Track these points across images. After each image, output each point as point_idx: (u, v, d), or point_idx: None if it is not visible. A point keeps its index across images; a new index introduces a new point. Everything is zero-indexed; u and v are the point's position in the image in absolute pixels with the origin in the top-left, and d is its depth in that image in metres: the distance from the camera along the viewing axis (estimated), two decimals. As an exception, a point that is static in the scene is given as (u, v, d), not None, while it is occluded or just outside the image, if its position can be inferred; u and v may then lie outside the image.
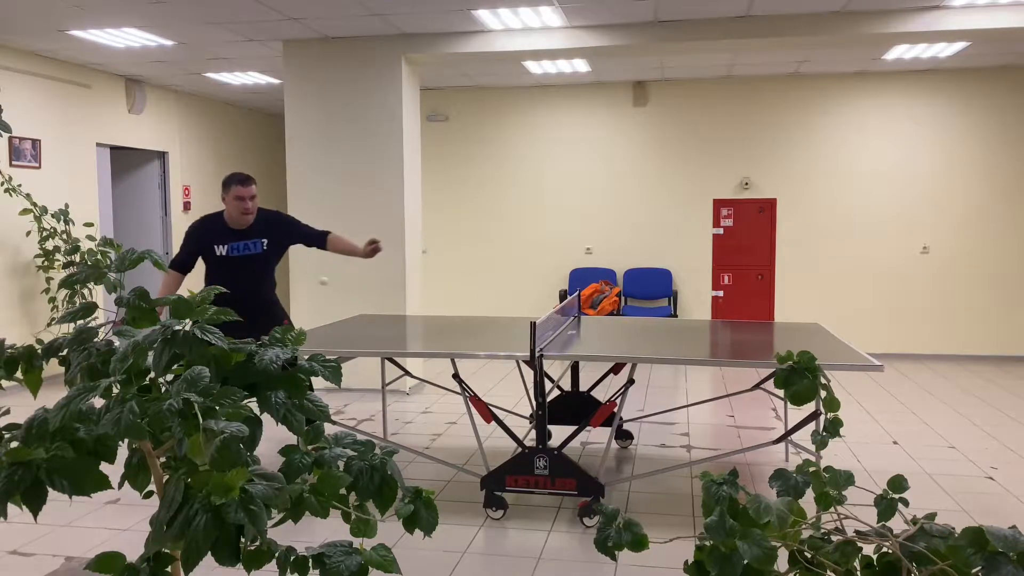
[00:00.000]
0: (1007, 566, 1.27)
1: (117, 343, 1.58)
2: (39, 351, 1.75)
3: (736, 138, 8.96)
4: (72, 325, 1.75)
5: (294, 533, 3.70)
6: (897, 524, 1.50)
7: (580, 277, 9.29)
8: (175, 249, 9.29)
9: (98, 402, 1.49)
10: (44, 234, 7.22)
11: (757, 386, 4.81)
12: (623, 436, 5.37)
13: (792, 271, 8.94)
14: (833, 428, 2.22)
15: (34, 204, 7.12)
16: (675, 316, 8.98)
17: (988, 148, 8.48)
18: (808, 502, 1.57)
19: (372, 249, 4.78)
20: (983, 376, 7.66)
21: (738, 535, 1.40)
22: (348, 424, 5.95)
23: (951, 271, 8.62)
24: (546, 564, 3.54)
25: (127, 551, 1.60)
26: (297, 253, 7.07)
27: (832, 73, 8.62)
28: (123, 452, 1.63)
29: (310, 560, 1.52)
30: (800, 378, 2.06)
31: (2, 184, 6.90)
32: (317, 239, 4.87)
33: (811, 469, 1.59)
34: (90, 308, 1.75)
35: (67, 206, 7.41)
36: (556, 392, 5.26)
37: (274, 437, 5.11)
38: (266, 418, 1.60)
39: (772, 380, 4.28)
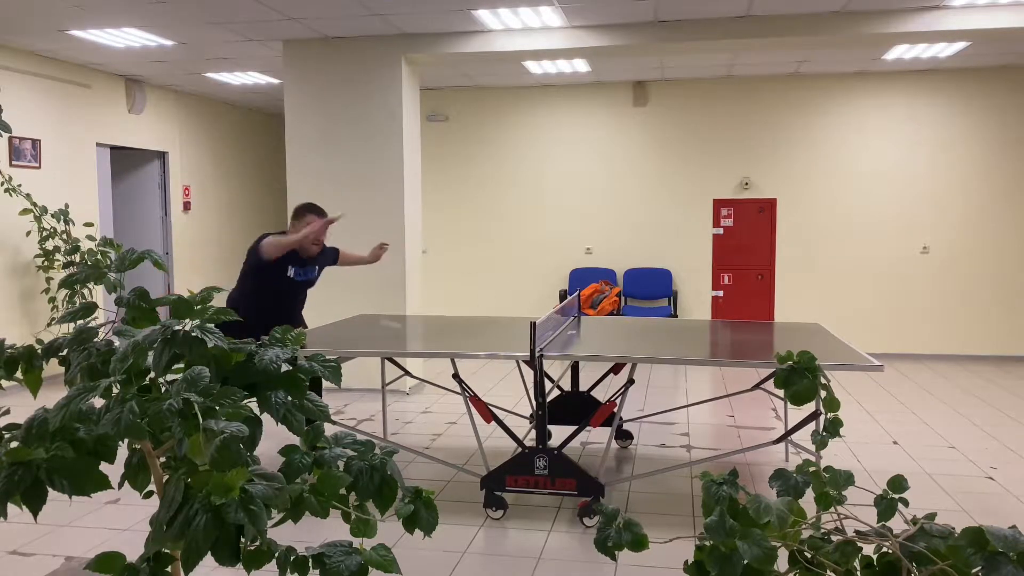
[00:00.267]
0: (1007, 566, 1.27)
1: (117, 343, 1.58)
2: (39, 351, 1.75)
3: (736, 138, 8.96)
4: (72, 325, 1.75)
5: (294, 533, 3.70)
6: (897, 524, 1.50)
7: (580, 277, 9.29)
8: (175, 249, 9.33)
9: (98, 402, 1.49)
10: (44, 234, 7.22)
11: (757, 386, 4.81)
12: (623, 436, 5.37)
13: (792, 271, 8.94)
14: (833, 428, 2.22)
15: (34, 204, 7.12)
16: (675, 316, 8.98)
17: (988, 148, 8.48)
18: (808, 502, 1.57)
19: (377, 252, 5.06)
20: (983, 376, 7.66)
21: (738, 535, 1.40)
22: (348, 424, 5.95)
23: (951, 271, 8.63)
24: (546, 564, 3.54)
25: (127, 551, 1.60)
26: (297, 253, 7.06)
27: (832, 73, 8.62)
28: (123, 452, 1.63)
29: (310, 560, 1.52)
30: (800, 378, 2.06)
31: (2, 184, 6.90)
32: (333, 259, 5.14)
33: (811, 469, 1.59)
34: (90, 308, 1.75)
35: (67, 206, 7.41)
36: (556, 392, 5.26)
37: (274, 437, 5.12)
38: (266, 418, 1.60)
39: (772, 380, 4.29)
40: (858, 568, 1.44)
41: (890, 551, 1.42)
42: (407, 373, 5.41)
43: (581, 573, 3.45)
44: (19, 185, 7.06)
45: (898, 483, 1.57)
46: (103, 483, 1.50)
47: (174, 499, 1.38)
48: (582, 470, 3.94)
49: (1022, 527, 1.55)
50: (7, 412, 1.71)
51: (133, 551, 2.91)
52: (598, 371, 7.73)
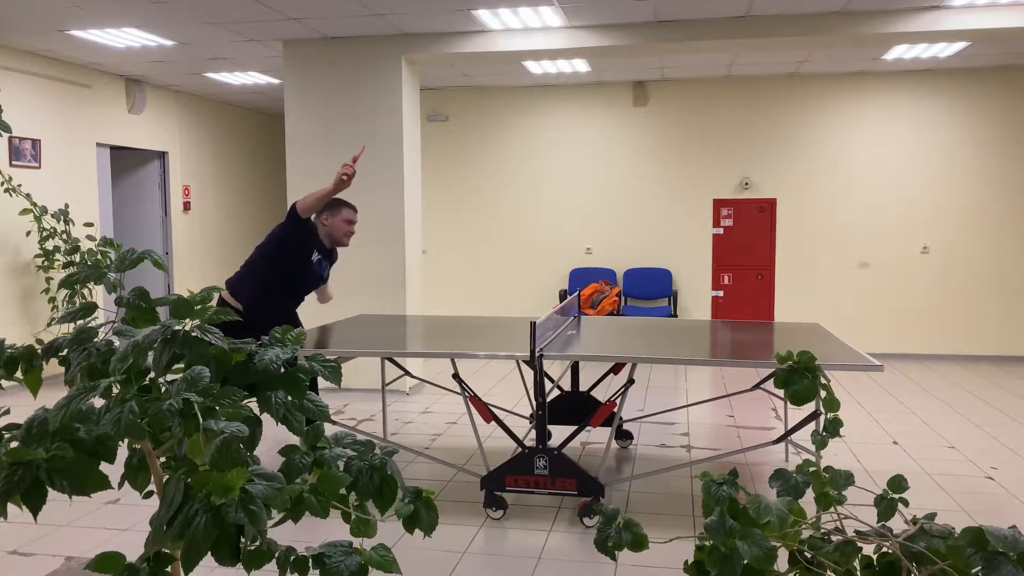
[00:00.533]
0: (1007, 566, 1.26)
1: (117, 343, 1.58)
2: (39, 351, 1.75)
3: (736, 138, 8.96)
4: (72, 325, 1.74)
5: (294, 533, 3.70)
6: (897, 524, 1.50)
7: (580, 277, 9.29)
8: (175, 249, 9.33)
9: (98, 402, 1.49)
10: (44, 234, 7.22)
11: (757, 386, 4.81)
12: (623, 436, 5.37)
13: (792, 271, 8.94)
14: (833, 428, 2.21)
15: (34, 204, 7.12)
16: (675, 316, 8.98)
17: (988, 148, 8.48)
18: (808, 502, 1.57)
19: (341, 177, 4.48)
20: (983, 376, 7.66)
21: (738, 535, 1.40)
22: (348, 424, 5.95)
23: (951, 271, 8.63)
24: (546, 564, 3.54)
25: (127, 551, 1.60)
26: (297, 253, 7.06)
27: (832, 73, 8.62)
28: (123, 452, 1.63)
29: (310, 560, 1.52)
30: (800, 378, 2.06)
31: (2, 184, 6.90)
32: (335, 259, 5.09)
33: (811, 469, 1.59)
34: (90, 308, 1.74)
35: (67, 206, 7.41)
36: (556, 392, 5.26)
37: (274, 437, 5.12)
38: (266, 418, 1.60)
39: (772, 380, 4.28)
40: (858, 568, 1.44)
41: (890, 551, 1.42)
42: (407, 373, 5.41)
43: (581, 573, 3.45)
44: (19, 185, 7.06)
45: (898, 483, 1.57)
46: (103, 483, 1.50)
47: (174, 499, 1.38)
48: (582, 470, 3.94)
49: (1022, 527, 1.55)
50: (7, 412, 1.71)
51: (133, 551, 2.91)
52: (598, 371, 7.72)
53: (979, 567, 1.29)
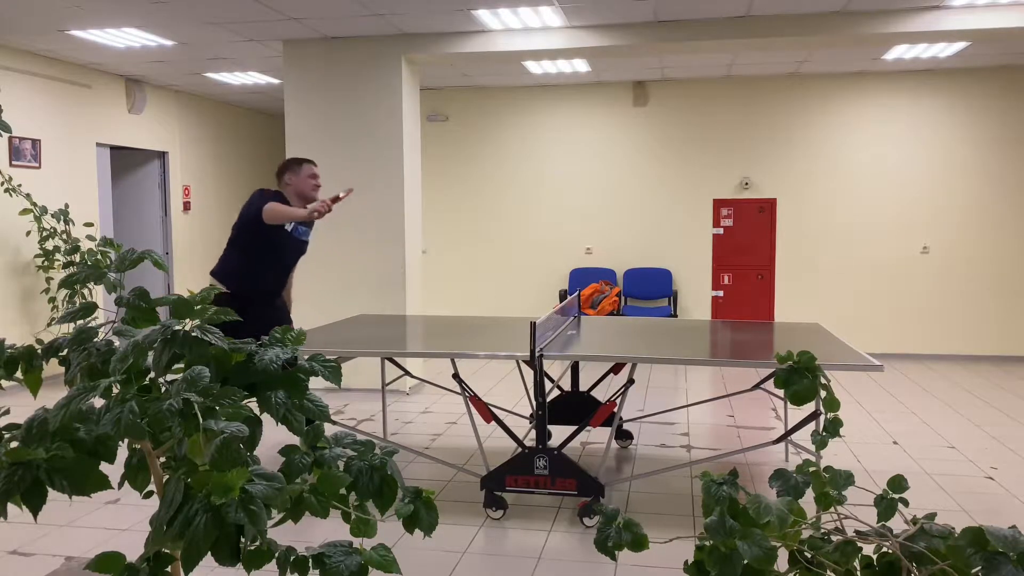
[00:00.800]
0: (1007, 566, 1.27)
1: (117, 343, 1.58)
2: (39, 351, 1.75)
3: (736, 138, 8.96)
4: (72, 325, 1.74)
5: (294, 533, 3.70)
6: (897, 524, 1.50)
7: (580, 277, 9.29)
8: (175, 249, 9.33)
9: (98, 402, 1.49)
10: (44, 234, 7.22)
11: (757, 386, 4.81)
12: (623, 436, 5.37)
13: (792, 271, 8.94)
14: (833, 428, 2.21)
15: (34, 204, 7.12)
16: (675, 316, 8.98)
17: (988, 148, 8.48)
18: (808, 502, 1.57)
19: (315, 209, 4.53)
20: (983, 376, 7.66)
21: (738, 535, 1.40)
22: (348, 424, 5.95)
23: (951, 271, 8.63)
24: (546, 564, 3.54)
25: (127, 551, 1.60)
26: (297, 253, 7.07)
27: (832, 73, 8.62)
28: (123, 452, 1.63)
29: (310, 560, 1.52)
30: (800, 378, 2.06)
31: (2, 184, 6.90)
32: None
33: (811, 469, 1.59)
34: (90, 308, 1.74)
35: (67, 206, 7.41)
36: (556, 392, 5.26)
37: (274, 437, 5.12)
38: (266, 418, 1.60)
39: (772, 380, 4.28)
40: (858, 568, 1.44)
41: (890, 551, 1.42)
42: (407, 373, 5.41)
43: (581, 573, 3.45)
44: (19, 185, 7.06)
45: (898, 483, 1.57)
46: (103, 483, 1.50)
47: (174, 499, 1.38)
48: (582, 470, 3.94)
49: (1022, 527, 1.55)
50: (7, 412, 1.71)
51: (133, 551, 2.91)
52: (598, 371, 7.72)
53: (979, 567, 1.29)
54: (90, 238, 7.38)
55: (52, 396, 4.78)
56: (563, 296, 9.33)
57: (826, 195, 8.81)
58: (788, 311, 8.97)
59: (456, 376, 4.10)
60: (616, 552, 1.52)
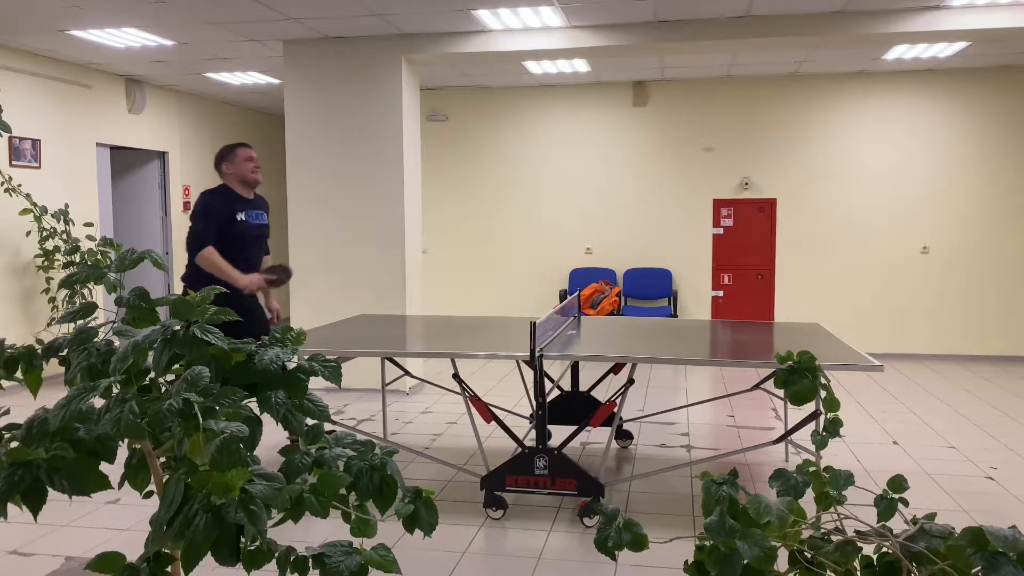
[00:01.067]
0: (1007, 566, 1.27)
1: (117, 343, 1.58)
2: (39, 351, 1.75)
3: (736, 138, 8.96)
4: (72, 325, 1.74)
5: (294, 533, 3.70)
6: (897, 524, 1.50)
7: (580, 277, 9.29)
8: (175, 249, 9.33)
9: (98, 402, 1.49)
10: (44, 234, 7.22)
11: (757, 386, 4.81)
12: (623, 436, 5.37)
13: (792, 271, 8.94)
14: (833, 428, 2.21)
15: (34, 204, 7.12)
16: (675, 316, 8.99)
17: (988, 148, 8.48)
18: (808, 502, 1.57)
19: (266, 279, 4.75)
20: (983, 376, 7.66)
21: (738, 535, 1.40)
22: (348, 424, 5.95)
23: (951, 271, 8.63)
24: (546, 564, 3.54)
25: (127, 551, 1.60)
26: (298, 250, 7.07)
27: (832, 73, 8.62)
28: (123, 452, 1.63)
29: (310, 560, 1.52)
30: (800, 378, 2.06)
31: (2, 184, 6.90)
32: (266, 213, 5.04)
33: (811, 469, 1.59)
34: (90, 308, 1.74)
35: (67, 206, 7.41)
36: (556, 392, 5.26)
37: (274, 437, 5.12)
38: (266, 418, 1.60)
39: (772, 380, 4.28)
40: (858, 568, 1.44)
41: (890, 551, 1.42)
42: (407, 373, 5.41)
43: (581, 573, 3.45)
44: (19, 185, 7.06)
45: (898, 483, 1.57)
46: (103, 483, 1.50)
47: (174, 499, 1.38)
48: (582, 470, 3.94)
49: (1022, 527, 1.55)
50: (7, 412, 1.71)
51: (133, 551, 2.91)
52: (598, 371, 7.73)
53: (979, 567, 1.29)
54: (90, 238, 7.39)
55: (52, 396, 4.78)
56: (563, 296, 9.33)
57: (826, 195, 8.81)
58: (788, 311, 8.97)
59: (456, 376, 4.10)
60: (616, 552, 1.52)
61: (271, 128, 11.47)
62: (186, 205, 9.56)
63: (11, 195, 6.99)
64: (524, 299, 9.50)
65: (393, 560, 1.55)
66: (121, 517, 4.12)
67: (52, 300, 7.26)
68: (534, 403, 4.16)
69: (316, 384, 6.74)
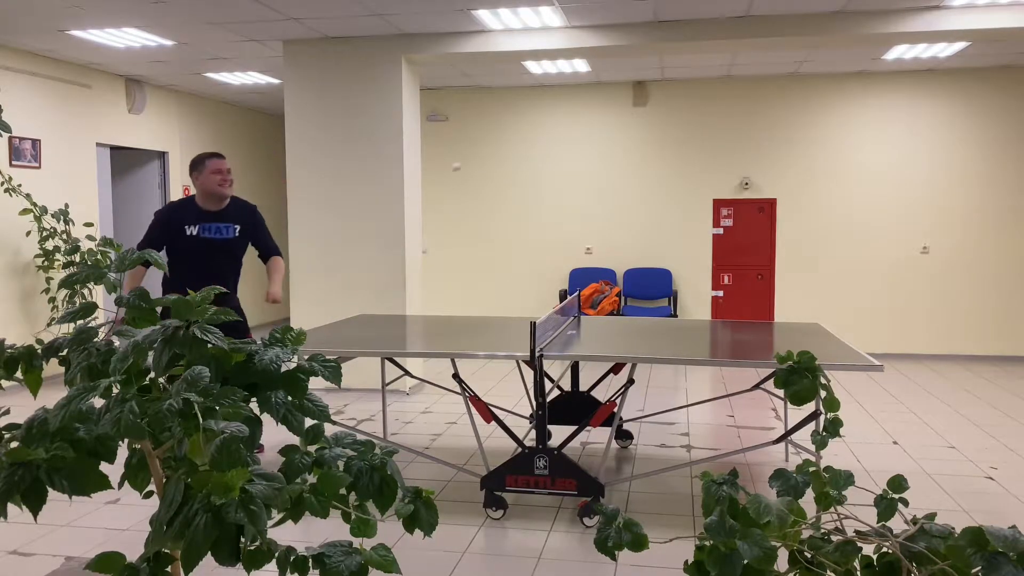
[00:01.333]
0: (1007, 566, 1.26)
1: (117, 343, 1.58)
2: (39, 351, 1.75)
3: (736, 138, 8.96)
4: (72, 325, 1.74)
5: (294, 533, 3.70)
6: (897, 524, 1.50)
7: (580, 277, 9.29)
8: (175, 249, 9.32)
9: (98, 402, 1.49)
10: (44, 234, 7.22)
11: (757, 386, 4.81)
12: (623, 436, 5.37)
13: (792, 271, 8.94)
14: (833, 428, 2.21)
15: (34, 204, 7.12)
16: (675, 316, 8.98)
17: (988, 148, 8.48)
18: (808, 502, 1.57)
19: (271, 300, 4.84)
20: (983, 376, 7.66)
21: (738, 535, 1.40)
22: (348, 424, 5.95)
23: (951, 271, 8.63)
24: (546, 564, 3.54)
25: (127, 551, 1.60)
26: (298, 250, 7.07)
27: (832, 73, 8.62)
28: (123, 452, 1.63)
29: (310, 560, 1.52)
30: (800, 378, 2.05)
31: (2, 184, 6.90)
32: (266, 252, 4.99)
33: (811, 469, 1.59)
34: (90, 308, 1.74)
35: (67, 206, 7.41)
36: (556, 392, 5.26)
37: (274, 437, 5.12)
38: (266, 418, 1.60)
39: (772, 380, 4.28)
40: (858, 568, 1.44)
41: (890, 551, 1.42)
42: (407, 373, 5.41)
43: (581, 573, 3.45)
44: (19, 185, 7.06)
45: (898, 483, 1.57)
46: (103, 483, 1.50)
47: (174, 499, 1.38)
48: (582, 470, 3.94)
49: (1022, 527, 1.55)
50: (7, 412, 1.71)
51: (133, 551, 2.91)
52: (598, 371, 7.73)
53: (979, 567, 1.29)
54: (90, 238, 7.39)
55: (52, 396, 4.77)
56: (563, 296, 9.33)
57: (826, 195, 8.81)
58: (788, 311, 8.97)
59: (456, 376, 4.10)
60: (616, 552, 1.52)
61: (271, 128, 11.47)
62: (186, 205, 9.55)
63: (11, 195, 6.99)
64: (524, 299, 9.50)
65: (393, 560, 1.55)
66: (121, 517, 4.12)
67: (52, 300, 7.26)
68: (534, 403, 4.16)
69: (316, 384, 6.74)
